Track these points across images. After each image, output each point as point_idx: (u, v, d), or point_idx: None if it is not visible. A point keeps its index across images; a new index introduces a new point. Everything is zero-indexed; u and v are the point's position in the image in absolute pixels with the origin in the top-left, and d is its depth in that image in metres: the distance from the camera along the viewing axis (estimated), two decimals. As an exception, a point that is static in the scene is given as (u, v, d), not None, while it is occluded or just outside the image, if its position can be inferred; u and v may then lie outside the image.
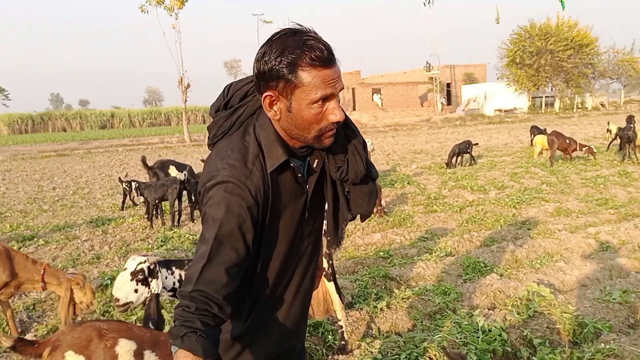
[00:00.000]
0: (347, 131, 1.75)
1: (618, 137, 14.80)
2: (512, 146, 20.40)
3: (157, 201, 9.24)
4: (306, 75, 1.52)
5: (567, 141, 14.28)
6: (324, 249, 3.67)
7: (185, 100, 36.13)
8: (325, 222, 1.96)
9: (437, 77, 50.93)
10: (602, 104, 49.34)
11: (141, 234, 8.84)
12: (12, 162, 25.82)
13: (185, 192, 9.83)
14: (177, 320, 1.47)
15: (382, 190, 10.70)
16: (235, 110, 1.74)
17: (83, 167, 21.95)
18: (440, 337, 4.04)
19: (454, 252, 6.85)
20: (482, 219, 8.39)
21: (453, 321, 4.34)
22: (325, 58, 1.52)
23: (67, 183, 16.51)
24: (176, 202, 9.21)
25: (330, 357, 4.15)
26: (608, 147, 16.36)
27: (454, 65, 55.98)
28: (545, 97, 50.65)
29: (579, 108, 48.39)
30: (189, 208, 10.04)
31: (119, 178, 11.60)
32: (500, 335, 4.03)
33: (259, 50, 1.57)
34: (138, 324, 3.73)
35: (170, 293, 3.70)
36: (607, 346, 3.74)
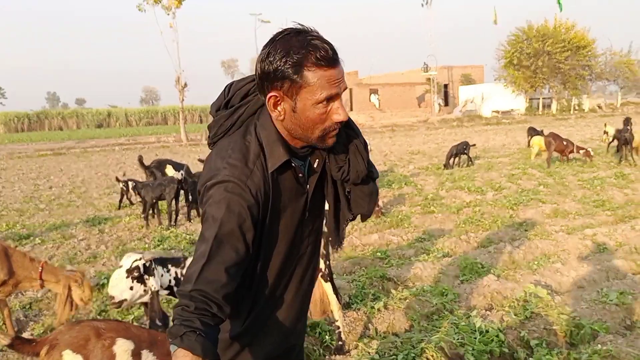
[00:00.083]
0: (348, 131, 1.75)
1: (615, 139, 14.84)
2: (509, 147, 20.44)
3: (154, 200, 9.23)
4: (312, 76, 1.52)
5: (564, 143, 14.30)
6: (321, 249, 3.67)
7: (183, 100, 36.14)
8: (325, 222, 1.96)
9: (435, 78, 50.98)
10: (599, 106, 49.47)
11: (138, 233, 8.82)
12: (8, 161, 25.78)
13: (182, 192, 9.81)
14: (176, 319, 1.47)
15: (380, 190, 10.69)
16: (236, 109, 1.74)
17: (79, 166, 21.91)
18: (437, 337, 4.04)
19: (451, 253, 6.85)
20: (479, 220, 8.40)
21: (450, 322, 4.34)
22: (330, 58, 1.52)
23: (64, 182, 16.49)
24: (173, 202, 9.21)
25: (327, 357, 4.14)
26: (608, 149, 16.39)
27: (451, 66, 56.04)
28: (543, 98, 50.73)
29: (575, 110, 48.49)
30: (185, 207, 10.02)
31: (116, 177, 11.59)
32: (497, 336, 4.04)
33: (263, 50, 1.56)
34: (135, 324, 3.72)
35: (167, 291, 3.69)
36: (604, 347, 3.75)
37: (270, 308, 1.86)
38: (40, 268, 4.46)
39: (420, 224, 8.43)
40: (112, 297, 3.56)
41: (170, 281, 3.66)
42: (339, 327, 4.23)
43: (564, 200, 9.79)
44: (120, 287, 3.54)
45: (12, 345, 2.68)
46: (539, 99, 50.76)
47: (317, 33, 1.55)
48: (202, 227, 1.61)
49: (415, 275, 5.87)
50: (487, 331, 4.10)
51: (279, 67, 1.52)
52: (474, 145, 17.00)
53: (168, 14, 33.87)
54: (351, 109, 48.17)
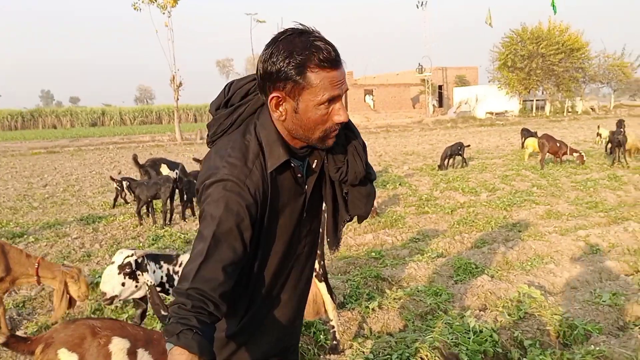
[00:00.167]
0: (347, 132, 1.76)
1: (609, 141, 14.90)
2: (503, 149, 20.50)
3: (149, 199, 9.21)
4: (314, 77, 1.52)
5: (558, 144, 14.36)
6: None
7: (177, 99, 36.04)
8: (323, 223, 1.97)
9: (429, 79, 51.11)
10: (592, 108, 49.67)
11: (132, 232, 8.81)
12: (2, 159, 25.64)
13: (177, 191, 9.79)
14: (173, 317, 1.46)
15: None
16: (236, 108, 1.74)
17: (73, 164, 21.83)
18: (431, 337, 4.05)
19: (445, 254, 6.88)
20: (473, 221, 8.43)
21: (444, 322, 4.35)
22: (333, 59, 1.52)
23: (58, 180, 16.42)
24: (168, 201, 9.19)
25: (322, 357, 4.15)
26: (605, 150, 16.39)
27: (446, 68, 56.18)
28: (536, 100, 50.93)
29: (569, 112, 48.69)
30: (180, 207, 10.00)
31: (111, 177, 11.55)
32: (491, 336, 4.06)
33: (265, 50, 1.56)
34: (130, 322, 3.72)
35: (159, 288, 3.69)
36: (597, 348, 3.77)
37: (267, 307, 1.87)
38: (36, 264, 4.46)
39: (414, 225, 8.45)
40: (104, 294, 3.56)
41: (162, 277, 3.66)
42: (333, 327, 4.23)
43: (557, 202, 9.83)
44: (112, 283, 3.54)
45: (7, 344, 2.67)
46: (532, 100, 50.96)
47: (319, 34, 1.55)
48: (200, 225, 1.60)
49: (409, 275, 5.89)
50: (481, 331, 4.12)
51: (282, 68, 1.52)
52: (469, 146, 17.05)
53: (163, 13, 33.75)
54: (346, 109, 48.09)
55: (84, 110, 74.81)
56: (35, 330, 4.85)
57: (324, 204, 1.93)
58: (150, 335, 2.71)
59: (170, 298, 3.88)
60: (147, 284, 3.54)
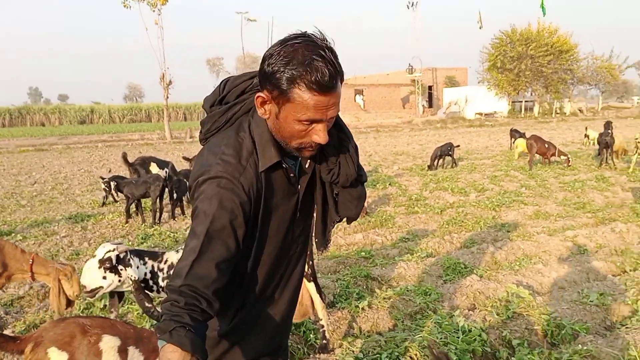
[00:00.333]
0: (340, 134, 1.76)
1: (597, 142, 15.02)
2: (492, 149, 20.60)
3: (137, 198, 9.17)
4: (300, 95, 1.49)
5: (546, 145, 14.46)
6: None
7: (167, 97, 35.92)
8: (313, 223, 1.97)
9: (419, 79, 51.27)
10: (580, 110, 50.05)
11: (121, 230, 8.77)
12: (-11, 156, 25.40)
13: (166, 190, 9.75)
14: (165, 314, 1.46)
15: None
16: (231, 106, 1.74)
17: (62, 162, 21.68)
18: (421, 336, 4.07)
19: (435, 253, 6.91)
20: (462, 221, 8.47)
21: (434, 321, 4.38)
22: (324, 85, 1.48)
23: (46, 178, 16.30)
24: (158, 200, 9.15)
25: (311, 356, 4.16)
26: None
27: (436, 68, 56.36)
28: (525, 101, 51.25)
29: (557, 113, 49.02)
30: (169, 205, 9.97)
31: (100, 176, 11.48)
32: (479, 335, 4.08)
33: (271, 47, 1.53)
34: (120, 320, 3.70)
35: (142, 284, 3.67)
36: (584, 347, 3.81)
37: (259, 307, 1.87)
38: (30, 260, 4.44)
39: (404, 224, 8.48)
40: (84, 287, 3.56)
41: (146, 274, 3.64)
42: (323, 326, 4.24)
43: (545, 202, 9.90)
44: (92, 276, 3.55)
45: (-4, 343, 2.66)
46: (521, 102, 51.29)
47: (327, 52, 1.49)
48: (192, 222, 1.60)
49: (399, 274, 5.91)
50: (469, 330, 4.14)
51: (275, 74, 1.50)
52: (458, 146, 17.12)
53: (154, 11, 33.64)
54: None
55: (73, 108, 74.29)
56: (23, 329, 4.82)
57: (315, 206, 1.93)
58: (141, 333, 2.71)
59: (154, 295, 3.87)
60: (130, 279, 3.54)
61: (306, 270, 4.04)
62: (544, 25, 47.65)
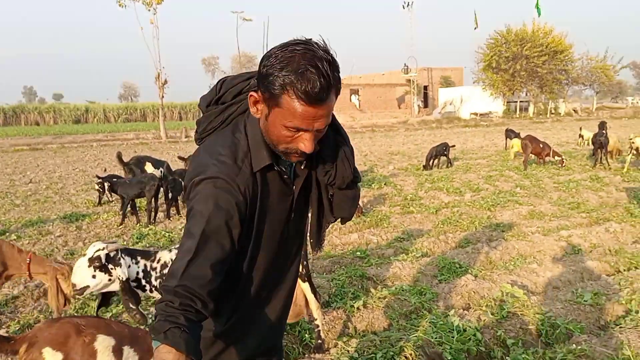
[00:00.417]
0: (337, 137, 1.77)
1: (591, 143, 15.07)
2: (487, 149, 20.65)
3: (133, 198, 9.14)
4: (288, 102, 1.49)
5: (541, 145, 14.50)
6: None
7: (162, 96, 35.81)
8: (308, 224, 1.98)
9: (415, 79, 51.36)
10: (574, 110, 50.22)
11: (116, 230, 8.75)
12: (-17, 156, 25.30)
13: (162, 189, 9.73)
14: (160, 315, 1.45)
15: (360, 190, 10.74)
16: (228, 107, 1.74)
17: (56, 161, 21.62)
18: (415, 336, 4.08)
19: (430, 253, 6.92)
20: (457, 221, 8.49)
21: (428, 321, 4.38)
22: (313, 97, 1.46)
23: (40, 178, 16.25)
24: (153, 199, 9.13)
25: (307, 355, 4.16)
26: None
27: (431, 68, 56.47)
28: (520, 101, 51.40)
29: (552, 113, 49.15)
30: (165, 205, 9.95)
31: (96, 175, 11.43)
32: (474, 335, 4.10)
33: (272, 49, 1.53)
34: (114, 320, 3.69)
35: (135, 284, 3.65)
36: (579, 347, 3.83)
37: (254, 307, 1.87)
38: (28, 259, 4.43)
39: (399, 224, 8.49)
40: (74, 285, 3.56)
41: (138, 273, 3.62)
42: (318, 326, 4.24)
43: (540, 202, 9.93)
44: (82, 275, 3.53)
45: (-10, 343, 2.65)
46: (516, 102, 51.43)
47: (325, 63, 1.47)
48: (187, 222, 1.59)
49: (394, 274, 5.92)
50: (464, 330, 4.16)
51: (268, 77, 1.49)
52: (454, 146, 17.15)
53: (149, 10, 33.54)
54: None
55: (68, 107, 73.98)
56: (18, 329, 4.80)
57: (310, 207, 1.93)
58: (136, 333, 2.71)
59: (147, 294, 3.86)
60: (118, 279, 3.53)
61: (300, 270, 4.05)
62: (538, 26, 47.82)
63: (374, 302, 4.97)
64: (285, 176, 1.73)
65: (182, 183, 9.26)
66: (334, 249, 7.26)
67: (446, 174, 13.74)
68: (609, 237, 7.25)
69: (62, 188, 13.89)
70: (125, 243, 7.77)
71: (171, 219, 9.53)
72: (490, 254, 6.62)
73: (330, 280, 5.61)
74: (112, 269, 3.53)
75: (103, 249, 3.52)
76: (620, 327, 4.28)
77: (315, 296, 4.19)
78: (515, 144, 16.04)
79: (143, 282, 3.66)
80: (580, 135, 20.31)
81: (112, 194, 9.58)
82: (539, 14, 44.02)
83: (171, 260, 3.62)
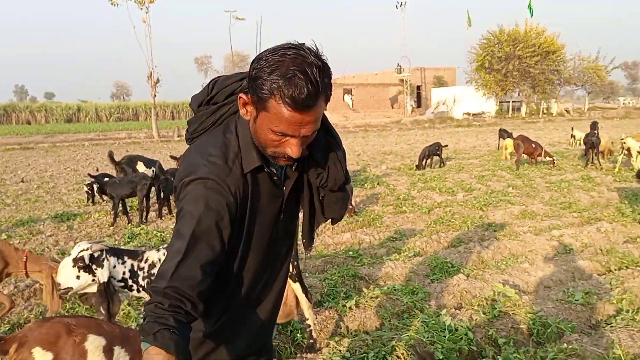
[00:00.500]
0: (329, 139, 1.77)
1: (583, 143, 15.15)
2: (479, 149, 20.71)
3: (124, 198, 9.10)
4: (275, 107, 1.48)
5: (533, 145, 14.56)
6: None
7: (155, 96, 35.75)
8: (299, 225, 1.98)
9: (408, 79, 51.42)
10: (566, 110, 50.44)
11: (107, 229, 8.71)
12: (-26, 155, 25.13)
13: (153, 189, 9.69)
14: (149, 316, 1.44)
15: (353, 190, 10.74)
16: (219, 107, 1.73)
17: (48, 161, 21.51)
18: (407, 335, 4.09)
19: (422, 253, 6.93)
20: (449, 220, 8.51)
21: (420, 320, 4.39)
22: (299, 103, 1.45)
23: (31, 177, 16.16)
24: (145, 199, 9.09)
25: (298, 355, 4.16)
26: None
27: (424, 68, 56.57)
28: (512, 102, 51.55)
29: (544, 113, 49.36)
30: (156, 205, 9.91)
31: (88, 173, 11.37)
32: (466, 334, 4.10)
33: (262, 52, 1.52)
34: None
35: (121, 283, 3.63)
36: (570, 346, 3.84)
37: (243, 307, 1.87)
38: (24, 257, 4.42)
39: (392, 224, 8.50)
40: (59, 285, 3.54)
41: (124, 273, 3.60)
42: (309, 326, 4.24)
43: (532, 202, 9.97)
44: (66, 275, 3.52)
45: (-20, 343, 2.63)
46: (509, 102, 51.58)
47: (315, 69, 1.46)
48: (177, 223, 1.58)
49: (386, 274, 5.92)
50: (456, 329, 4.16)
51: (257, 80, 1.48)
52: (446, 146, 17.19)
53: (141, 9, 33.47)
54: (325, 109, 48.24)
55: (59, 106, 73.60)
56: (8, 329, 4.78)
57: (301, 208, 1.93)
58: (127, 333, 2.69)
59: (134, 294, 3.84)
60: (96, 280, 3.51)
61: (291, 270, 4.04)
62: (531, 26, 47.99)
63: (366, 301, 4.98)
64: (275, 178, 1.73)
65: (175, 182, 9.23)
66: (327, 248, 7.26)
67: (439, 174, 13.76)
68: (600, 236, 7.28)
69: (53, 187, 13.82)
70: (116, 243, 7.75)
71: (163, 218, 9.50)
72: (482, 253, 6.64)
73: (322, 279, 5.60)
74: (95, 269, 3.51)
75: (87, 249, 3.50)
76: (611, 327, 4.29)
77: (306, 296, 4.19)
78: (508, 144, 16.10)
79: (130, 282, 3.64)
80: (572, 136, 20.41)
81: (102, 195, 9.55)
82: (532, 15, 44.32)
83: (159, 260, 3.61)
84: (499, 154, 17.55)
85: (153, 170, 9.98)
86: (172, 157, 12.02)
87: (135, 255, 3.68)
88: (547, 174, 13.28)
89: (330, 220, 1.97)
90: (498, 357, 3.94)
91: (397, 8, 54.51)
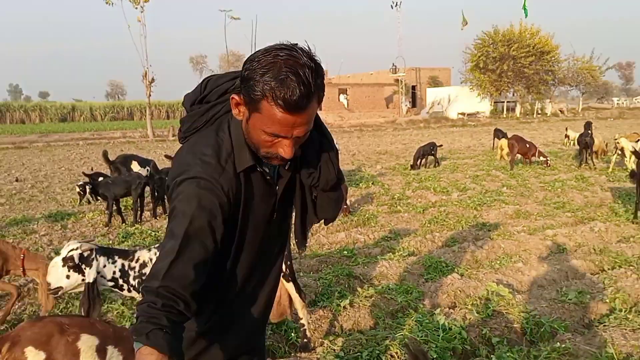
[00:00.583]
0: (322, 139, 1.77)
1: (577, 143, 15.19)
2: (474, 149, 20.75)
3: (118, 197, 9.07)
4: (267, 108, 1.47)
5: (527, 145, 14.60)
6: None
7: (149, 95, 35.67)
8: (292, 225, 1.98)
9: (403, 79, 51.45)
10: (561, 110, 50.58)
11: (102, 229, 8.68)
12: (-33, 154, 25.01)
13: (147, 188, 9.67)
14: (142, 316, 1.43)
15: (348, 189, 10.75)
16: (212, 106, 1.73)
17: (42, 160, 21.44)
18: (401, 335, 4.10)
19: (417, 252, 6.94)
20: (444, 220, 8.52)
21: (414, 319, 4.40)
22: (292, 104, 1.45)
23: (26, 176, 16.11)
24: (139, 199, 9.07)
25: (292, 354, 4.16)
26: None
27: (419, 68, 56.59)
28: (507, 102, 51.61)
29: (538, 114, 49.46)
30: (151, 204, 9.89)
31: (83, 172, 11.33)
32: (460, 333, 4.11)
33: (255, 53, 1.51)
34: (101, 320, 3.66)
35: (111, 283, 3.61)
36: (563, 345, 3.86)
37: (236, 307, 1.87)
38: (22, 255, 4.42)
39: (386, 223, 8.51)
40: (49, 284, 3.53)
41: (114, 272, 3.58)
42: (303, 325, 4.24)
43: (526, 202, 10.00)
44: (56, 275, 3.51)
45: (-28, 342, 2.62)
46: (503, 102, 51.63)
47: (308, 70, 1.46)
48: (170, 222, 1.58)
49: (380, 273, 5.93)
50: (450, 329, 4.18)
51: (249, 81, 1.48)
52: (441, 146, 17.22)
53: (136, 8, 33.41)
54: (320, 109, 48.26)
55: (54, 105, 73.29)
56: (1, 329, 4.75)
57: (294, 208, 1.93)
58: (120, 333, 2.69)
59: (125, 294, 3.83)
60: (85, 280, 3.49)
61: (284, 270, 4.04)
62: (526, 27, 48.05)
63: (361, 301, 4.98)
64: (268, 177, 1.73)
65: (169, 182, 9.20)
66: (321, 248, 7.26)
67: (433, 174, 13.78)
68: (593, 236, 7.31)
69: (47, 187, 13.78)
70: (110, 242, 7.73)
71: (158, 218, 9.48)
72: (477, 253, 6.66)
73: (317, 279, 5.61)
74: (85, 269, 3.49)
75: (77, 248, 3.48)
76: (604, 326, 4.31)
77: (300, 295, 4.19)
78: (503, 144, 16.12)
79: (120, 281, 3.62)
80: (566, 136, 20.48)
81: (94, 196, 9.52)
82: (526, 15, 44.39)
83: (150, 259, 3.59)
84: (493, 154, 17.59)
85: (148, 170, 9.95)
86: (167, 157, 11.99)
87: (126, 254, 3.66)
88: (541, 174, 13.32)
89: (324, 221, 1.97)
90: (492, 356, 3.95)
91: (392, 8, 54.57)
